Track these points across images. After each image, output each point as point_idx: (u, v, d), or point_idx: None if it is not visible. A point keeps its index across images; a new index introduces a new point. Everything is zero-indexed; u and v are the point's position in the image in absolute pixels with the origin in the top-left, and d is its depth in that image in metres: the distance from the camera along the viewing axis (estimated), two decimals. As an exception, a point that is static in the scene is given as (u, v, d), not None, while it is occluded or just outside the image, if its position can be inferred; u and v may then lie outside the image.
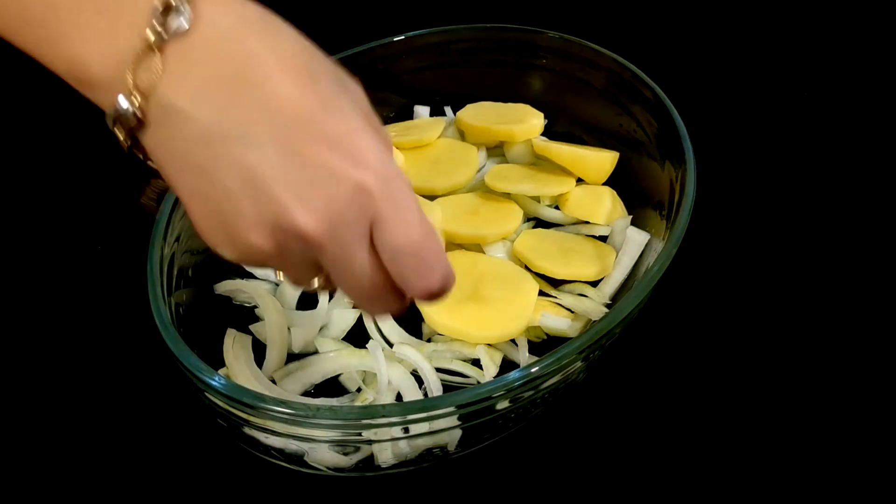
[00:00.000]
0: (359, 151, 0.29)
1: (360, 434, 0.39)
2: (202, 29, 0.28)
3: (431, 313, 0.47)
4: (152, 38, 0.28)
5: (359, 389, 0.46)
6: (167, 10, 0.28)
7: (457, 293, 0.48)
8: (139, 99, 0.28)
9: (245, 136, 0.28)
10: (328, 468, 0.41)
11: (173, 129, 0.29)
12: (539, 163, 0.60)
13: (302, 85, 0.29)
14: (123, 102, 0.28)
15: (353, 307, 0.50)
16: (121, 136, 0.30)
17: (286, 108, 0.28)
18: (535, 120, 0.60)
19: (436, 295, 0.32)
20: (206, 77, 0.28)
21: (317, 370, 0.47)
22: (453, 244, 0.54)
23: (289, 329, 0.49)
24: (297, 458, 0.41)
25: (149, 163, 0.31)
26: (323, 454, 0.40)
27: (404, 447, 0.40)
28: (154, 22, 0.28)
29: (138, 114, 0.28)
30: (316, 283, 0.34)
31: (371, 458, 0.41)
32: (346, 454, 0.41)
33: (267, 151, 0.28)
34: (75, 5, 0.28)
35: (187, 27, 0.28)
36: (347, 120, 0.29)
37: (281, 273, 0.33)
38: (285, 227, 0.29)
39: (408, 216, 0.30)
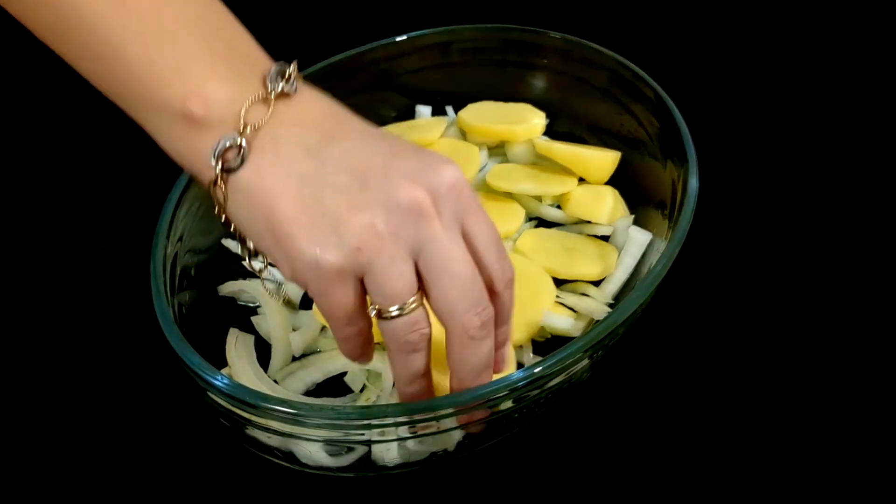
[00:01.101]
0: (442, 159, 0.34)
1: (362, 434, 0.39)
2: (303, 92, 0.35)
3: None
4: (269, 90, 0.34)
5: (363, 389, 0.46)
6: (282, 74, 0.34)
7: None
8: (248, 132, 0.33)
9: (348, 144, 0.34)
10: (331, 468, 0.41)
11: (278, 151, 0.33)
12: (540, 162, 0.60)
13: (378, 128, 0.36)
14: (233, 137, 0.33)
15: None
16: (217, 171, 0.33)
17: (374, 130, 0.35)
18: (536, 119, 0.60)
19: (511, 283, 0.37)
20: (308, 118, 0.34)
21: (318, 369, 0.47)
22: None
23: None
24: (300, 459, 0.41)
25: (224, 210, 0.35)
26: (325, 454, 0.40)
27: (408, 448, 0.40)
28: (270, 77, 0.34)
29: (245, 146, 0.33)
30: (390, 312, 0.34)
31: (374, 458, 0.41)
32: (348, 454, 0.41)
33: (369, 153, 0.33)
34: (210, 57, 0.34)
35: (294, 88, 0.34)
36: (415, 144, 0.35)
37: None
38: (396, 201, 0.32)
39: (486, 215, 0.35)
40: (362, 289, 0.34)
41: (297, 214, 0.32)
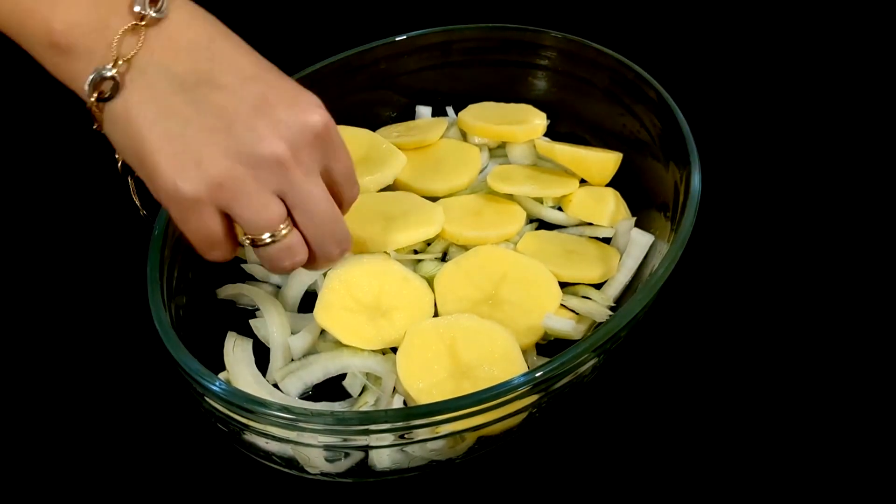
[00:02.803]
0: (309, 103, 0.36)
1: (361, 438, 0.39)
2: (177, 14, 0.35)
3: (444, 311, 0.47)
4: (138, 15, 0.34)
5: (361, 393, 0.45)
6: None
7: (476, 293, 0.48)
8: (120, 64, 0.34)
9: (218, 84, 0.34)
10: (329, 473, 0.41)
11: (150, 84, 0.34)
12: (542, 164, 0.59)
13: (255, 58, 0.37)
14: (105, 69, 0.33)
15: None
16: (91, 100, 0.34)
17: (248, 68, 0.36)
18: (537, 120, 0.60)
19: (354, 199, 0.41)
20: (182, 45, 0.35)
21: (317, 369, 0.46)
22: (456, 245, 0.53)
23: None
24: (298, 464, 0.41)
25: (101, 129, 0.36)
26: (323, 459, 0.40)
27: (408, 453, 0.40)
28: (138, 2, 0.34)
29: (118, 78, 0.34)
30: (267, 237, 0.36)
31: (375, 462, 0.40)
32: (346, 459, 0.40)
33: (238, 98, 0.34)
34: None
35: (164, 11, 0.34)
36: (292, 82, 0.37)
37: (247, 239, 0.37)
38: (259, 153, 0.34)
39: (345, 150, 0.38)
40: (227, 219, 0.36)
41: (162, 145, 0.34)
